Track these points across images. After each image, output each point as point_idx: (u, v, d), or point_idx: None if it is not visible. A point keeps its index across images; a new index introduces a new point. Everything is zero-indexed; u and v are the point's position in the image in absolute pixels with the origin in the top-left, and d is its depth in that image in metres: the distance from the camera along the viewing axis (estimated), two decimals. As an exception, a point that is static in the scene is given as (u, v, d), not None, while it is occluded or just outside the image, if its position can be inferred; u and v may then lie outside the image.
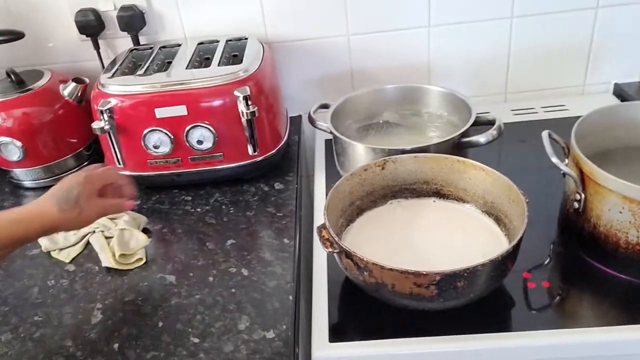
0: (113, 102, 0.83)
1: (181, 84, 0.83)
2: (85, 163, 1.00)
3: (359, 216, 0.78)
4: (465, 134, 0.82)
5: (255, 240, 0.78)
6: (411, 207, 0.79)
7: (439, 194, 0.79)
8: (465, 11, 1.02)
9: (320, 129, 0.91)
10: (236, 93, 0.82)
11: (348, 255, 0.62)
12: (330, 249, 0.64)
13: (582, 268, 0.72)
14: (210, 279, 0.72)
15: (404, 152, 0.79)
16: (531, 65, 1.09)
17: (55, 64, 1.06)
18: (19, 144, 0.91)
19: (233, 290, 0.70)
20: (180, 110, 0.83)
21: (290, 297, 0.68)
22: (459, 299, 0.61)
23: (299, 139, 1.04)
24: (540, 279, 0.70)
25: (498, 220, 0.73)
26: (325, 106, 0.95)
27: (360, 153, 0.83)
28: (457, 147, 0.82)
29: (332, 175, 0.92)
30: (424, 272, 0.56)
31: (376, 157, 0.80)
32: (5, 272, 0.77)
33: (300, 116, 1.11)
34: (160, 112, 0.83)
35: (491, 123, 0.84)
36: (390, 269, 0.58)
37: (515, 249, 0.62)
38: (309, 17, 1.03)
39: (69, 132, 0.97)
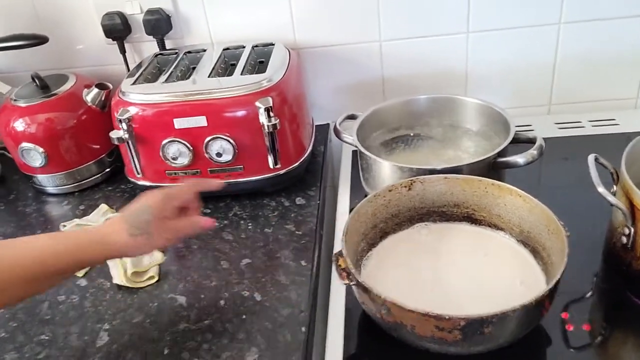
0: (132, 111, 0.81)
1: (201, 93, 0.80)
2: (107, 170, 0.98)
3: (383, 240, 0.73)
4: (502, 153, 0.76)
5: (271, 260, 0.74)
6: (439, 231, 0.74)
7: (471, 219, 0.73)
8: (508, 16, 0.95)
9: (346, 142, 0.86)
10: (257, 104, 0.78)
11: (365, 289, 0.57)
12: (347, 281, 0.59)
13: (628, 308, 0.65)
14: (222, 302, 0.68)
15: (433, 172, 0.73)
16: (579, 75, 1.00)
17: (82, 67, 1.05)
18: (40, 150, 0.90)
19: (244, 316, 0.66)
20: (200, 121, 0.79)
21: (303, 329, 0.63)
22: (486, 344, 0.55)
23: (324, 149, 1.00)
24: (580, 320, 0.63)
25: (535, 251, 0.67)
26: (352, 117, 0.90)
27: (385, 171, 0.78)
28: (493, 167, 0.76)
29: (357, 189, 0.87)
30: (447, 317, 0.51)
31: (403, 176, 0.75)
32: (18, 284, 0.75)
33: (327, 125, 1.06)
34: (180, 123, 0.80)
35: (532, 141, 0.77)
36: (411, 310, 0.52)
37: (553, 291, 0.55)
38: (339, 22, 0.98)
39: (91, 138, 0.95)
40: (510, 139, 0.77)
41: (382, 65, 1.01)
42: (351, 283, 0.59)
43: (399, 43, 0.99)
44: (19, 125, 0.90)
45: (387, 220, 0.73)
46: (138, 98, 0.81)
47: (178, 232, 0.63)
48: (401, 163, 0.76)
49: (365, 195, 0.84)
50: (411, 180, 0.72)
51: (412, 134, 0.91)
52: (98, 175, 0.97)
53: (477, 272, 0.67)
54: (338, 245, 0.62)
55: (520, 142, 0.79)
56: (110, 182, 0.97)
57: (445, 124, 0.90)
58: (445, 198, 0.73)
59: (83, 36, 1.02)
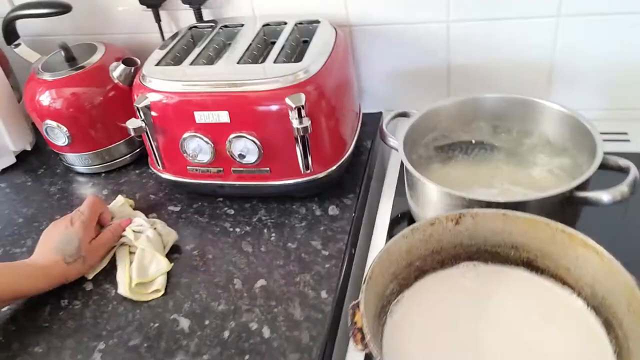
0: (151, 98, 0.72)
1: (225, 84, 0.70)
2: (137, 150, 0.92)
3: (418, 280, 0.61)
4: (583, 185, 0.61)
5: (288, 286, 0.65)
6: (490, 275, 0.61)
7: (531, 266, 0.60)
8: (612, -1, 0.76)
9: (392, 148, 0.73)
10: (288, 102, 0.67)
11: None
12: (360, 346, 0.49)
13: None
14: (226, 334, 0.61)
15: (489, 205, 0.59)
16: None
17: (117, 34, 0.97)
18: (64, 129, 0.85)
19: (247, 357, 0.58)
20: (222, 116, 0.69)
21: (310, 385, 0.55)
22: None
23: (371, 144, 0.87)
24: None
25: (608, 324, 0.53)
26: (404, 114, 0.76)
27: (432, 193, 0.65)
28: (569, 201, 0.61)
29: (403, 197, 0.74)
30: None
31: (452, 203, 0.62)
32: (26, 280, 0.71)
33: (379, 114, 0.93)
34: (200, 116, 0.70)
35: (623, 170, 0.61)
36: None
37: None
38: (399, -4, 0.82)
39: (120, 116, 0.86)
40: (595, 167, 0.61)
41: (448, 51, 0.85)
42: (364, 350, 0.49)
43: (471, 25, 0.82)
44: (43, 100, 0.84)
45: (426, 257, 0.60)
46: (158, 85, 0.72)
47: (105, 245, 0.71)
48: (454, 183, 0.63)
49: (411, 219, 0.73)
50: (460, 213, 0.59)
51: (474, 141, 0.76)
52: (127, 156, 0.91)
53: (528, 338, 0.54)
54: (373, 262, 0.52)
55: (608, 168, 0.63)
56: (139, 164, 0.91)
57: (516, 133, 0.75)
58: (501, 237, 0.60)
59: (117, 2, 0.94)
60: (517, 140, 0.74)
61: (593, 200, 0.60)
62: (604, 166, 0.63)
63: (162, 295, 0.66)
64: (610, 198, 0.59)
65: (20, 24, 0.88)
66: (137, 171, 0.90)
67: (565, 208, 0.61)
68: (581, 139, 0.68)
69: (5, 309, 0.67)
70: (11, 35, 0.89)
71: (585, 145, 0.67)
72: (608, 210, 0.61)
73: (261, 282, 0.66)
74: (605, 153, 0.63)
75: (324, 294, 0.63)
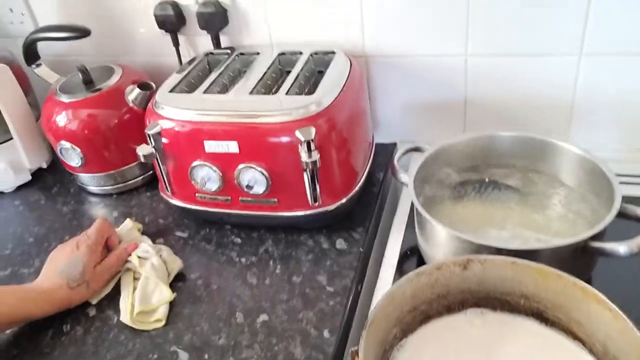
0: (162, 125, 0.72)
1: (236, 115, 0.69)
2: (150, 172, 0.92)
3: (423, 325, 0.59)
4: (599, 235, 0.58)
5: (290, 323, 0.64)
6: (497, 324, 0.58)
7: (542, 317, 0.57)
8: (635, 39, 0.74)
9: (402, 183, 0.72)
10: (297, 135, 0.66)
11: (376, 419, 0.45)
12: (358, 398, 0.47)
13: None
14: (224, 371, 0.60)
15: (499, 251, 0.58)
16: None
17: (136, 56, 0.98)
18: (78, 150, 0.85)
19: (244, 397, 0.57)
20: (231, 146, 0.69)
21: None
22: None
23: (384, 176, 0.86)
24: None
25: (620, 386, 0.50)
26: (417, 149, 0.75)
27: (440, 235, 0.63)
28: (583, 251, 0.59)
29: (413, 232, 0.73)
30: None
31: (460, 247, 0.61)
32: (31, 302, 0.72)
33: (393, 144, 0.92)
34: (210, 146, 0.70)
35: (642, 221, 0.59)
36: None
37: None
38: (417, 28, 0.81)
39: (134, 138, 0.87)
40: (612, 217, 0.59)
41: (465, 85, 0.84)
42: (362, 402, 0.47)
43: (490, 60, 0.81)
44: (59, 121, 0.85)
45: (432, 301, 0.59)
46: (170, 112, 0.72)
47: (110, 270, 0.71)
48: (465, 223, 0.62)
49: (420, 256, 0.71)
50: (468, 258, 0.57)
51: (487, 180, 0.74)
52: (139, 178, 0.92)
53: (536, 394, 0.53)
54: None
55: (626, 217, 0.61)
56: (150, 186, 0.91)
57: (530, 173, 0.73)
58: (511, 285, 0.58)
59: (137, 25, 0.95)
60: (531, 181, 0.73)
61: (609, 252, 0.58)
62: (621, 215, 0.60)
63: (163, 325, 0.66)
64: (627, 250, 0.57)
65: (41, 44, 0.90)
66: (148, 194, 0.90)
67: (579, 258, 0.59)
68: (598, 184, 0.66)
69: (8, 332, 0.67)
70: (32, 57, 0.90)
71: (603, 190, 0.65)
72: (626, 259, 0.59)
73: (263, 317, 0.65)
74: (624, 197, 0.61)
75: (326, 334, 0.62)
